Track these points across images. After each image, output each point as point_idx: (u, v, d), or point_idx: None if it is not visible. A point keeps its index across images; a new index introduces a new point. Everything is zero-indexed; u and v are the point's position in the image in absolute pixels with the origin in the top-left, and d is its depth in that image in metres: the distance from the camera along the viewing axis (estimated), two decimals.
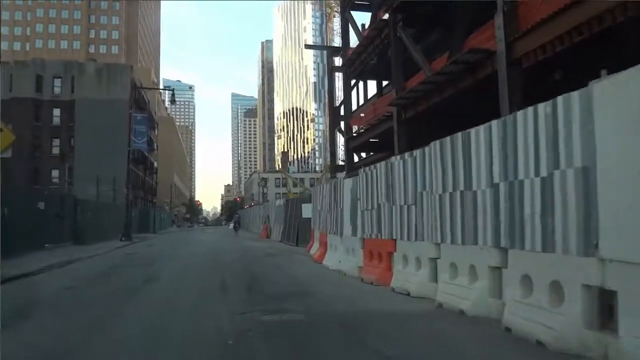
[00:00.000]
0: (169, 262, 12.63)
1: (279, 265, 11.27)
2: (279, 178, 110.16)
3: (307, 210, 18.45)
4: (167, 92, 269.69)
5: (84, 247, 18.34)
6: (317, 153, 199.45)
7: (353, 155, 35.25)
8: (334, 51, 36.61)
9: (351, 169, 31.81)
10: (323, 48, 68.52)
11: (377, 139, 26.30)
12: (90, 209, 26.03)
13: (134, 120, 26.76)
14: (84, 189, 43.39)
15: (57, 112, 46.21)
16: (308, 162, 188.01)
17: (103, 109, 45.19)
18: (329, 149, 40.78)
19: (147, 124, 27.58)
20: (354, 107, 31.94)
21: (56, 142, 46.36)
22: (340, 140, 35.50)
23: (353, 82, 29.19)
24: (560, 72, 11.26)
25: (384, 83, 26.86)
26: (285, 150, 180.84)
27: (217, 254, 15.26)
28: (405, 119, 18.73)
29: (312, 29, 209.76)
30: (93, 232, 24.04)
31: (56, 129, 46.05)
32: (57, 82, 46.36)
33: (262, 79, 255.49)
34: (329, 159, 39.44)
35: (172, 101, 29.09)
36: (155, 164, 63.63)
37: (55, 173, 45.60)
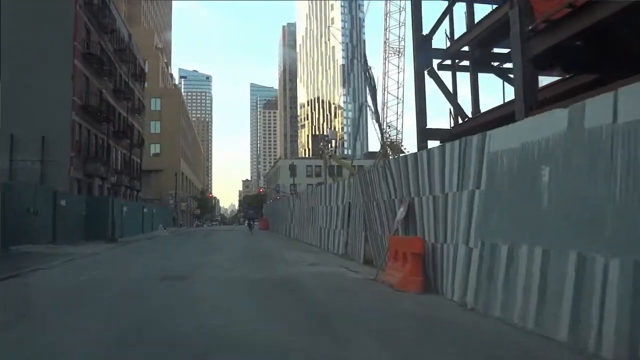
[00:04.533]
0: None
1: None
2: (311, 166, 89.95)
3: None
4: (180, 76, 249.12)
5: None
6: (345, 143, 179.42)
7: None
8: None
9: (532, 101, 11.95)
10: None
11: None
12: None
13: None
14: None
15: None
16: (336, 153, 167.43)
17: (30, 14, 24.89)
18: (415, 103, 22.21)
19: None
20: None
21: None
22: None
23: None
24: None
25: None
26: (315, 133, 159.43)
27: None
28: None
29: (341, 5, 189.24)
30: None
31: None
32: None
33: (284, 65, 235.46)
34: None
35: None
36: (140, 131, 42.63)
37: None
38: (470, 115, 21.81)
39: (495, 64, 22.08)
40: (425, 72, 24.68)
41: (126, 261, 13.91)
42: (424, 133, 25.61)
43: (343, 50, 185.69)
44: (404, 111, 52.51)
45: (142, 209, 33.42)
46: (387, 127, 54.74)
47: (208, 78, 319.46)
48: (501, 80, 21.07)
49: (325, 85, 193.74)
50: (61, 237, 19.63)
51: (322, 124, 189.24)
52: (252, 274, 9.21)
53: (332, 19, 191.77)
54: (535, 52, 12.71)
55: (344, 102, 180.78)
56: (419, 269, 7.07)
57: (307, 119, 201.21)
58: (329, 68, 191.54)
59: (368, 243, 11.24)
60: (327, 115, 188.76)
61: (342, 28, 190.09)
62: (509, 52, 22.24)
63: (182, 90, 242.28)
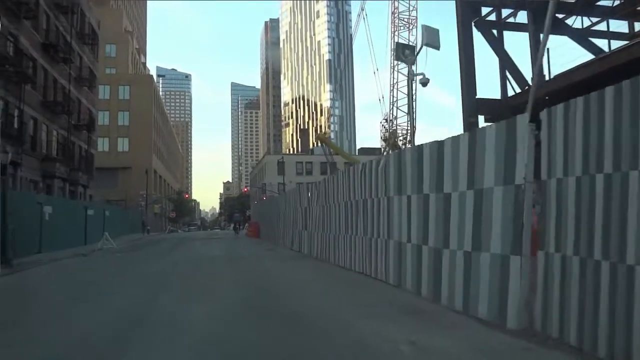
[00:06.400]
0: None
1: None
2: (302, 162, 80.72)
3: None
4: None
5: None
6: (333, 140, 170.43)
7: None
8: None
9: None
10: None
11: None
12: None
13: None
14: None
15: None
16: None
17: None
18: (460, 65, 12.21)
19: None
20: None
21: None
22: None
23: None
24: None
25: None
26: (305, 128, 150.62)
27: None
28: None
29: None
30: None
31: None
32: None
33: (266, 62, 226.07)
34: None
35: None
36: (92, 110, 32.71)
37: None
38: (530, 83, 14.94)
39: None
40: (472, 23, 18.50)
41: None
42: (474, 104, 18.04)
43: (329, 44, 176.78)
44: (416, 92, 43.77)
45: (85, 211, 24.00)
46: (389, 122, 46.03)
47: (187, 77, 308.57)
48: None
49: (310, 82, 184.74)
50: None
51: (308, 121, 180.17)
52: None
53: (317, 12, 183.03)
54: None
55: (330, 99, 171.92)
56: None
57: (292, 117, 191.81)
58: (315, 64, 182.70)
59: None
60: (312, 112, 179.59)
61: (328, 22, 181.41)
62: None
63: (160, 90, 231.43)
